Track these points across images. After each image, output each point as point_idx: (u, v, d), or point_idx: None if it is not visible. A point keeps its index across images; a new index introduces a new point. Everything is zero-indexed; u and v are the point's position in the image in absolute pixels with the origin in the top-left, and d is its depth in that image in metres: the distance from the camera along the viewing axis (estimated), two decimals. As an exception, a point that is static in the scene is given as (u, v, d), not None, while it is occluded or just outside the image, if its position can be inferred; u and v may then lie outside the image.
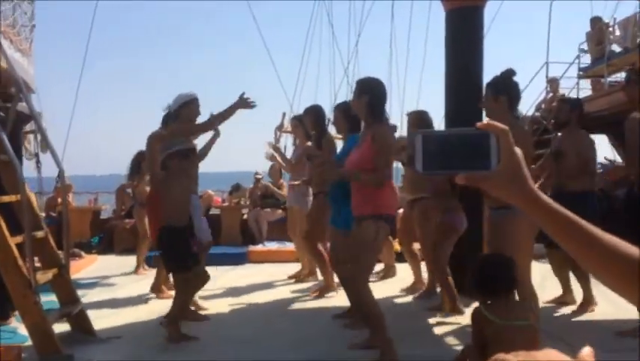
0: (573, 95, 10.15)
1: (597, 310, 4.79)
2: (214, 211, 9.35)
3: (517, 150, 0.83)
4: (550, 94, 10.59)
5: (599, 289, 4.84)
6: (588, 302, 4.80)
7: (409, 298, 5.46)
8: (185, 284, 4.08)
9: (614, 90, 8.77)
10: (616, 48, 9.83)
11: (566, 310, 4.93)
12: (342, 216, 4.19)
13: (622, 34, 9.74)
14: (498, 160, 0.82)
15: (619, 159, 8.99)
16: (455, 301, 4.64)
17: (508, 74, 3.53)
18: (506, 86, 3.52)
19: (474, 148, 0.82)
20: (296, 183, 5.90)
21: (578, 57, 10.71)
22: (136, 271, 6.91)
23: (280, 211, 8.74)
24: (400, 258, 6.66)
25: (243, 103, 4.33)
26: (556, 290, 5.17)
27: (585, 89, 10.64)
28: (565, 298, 5.07)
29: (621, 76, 10.49)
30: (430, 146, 0.83)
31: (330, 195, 4.72)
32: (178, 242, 3.98)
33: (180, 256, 4.00)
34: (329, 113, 5.59)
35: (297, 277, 6.31)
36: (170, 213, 4.02)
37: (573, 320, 4.70)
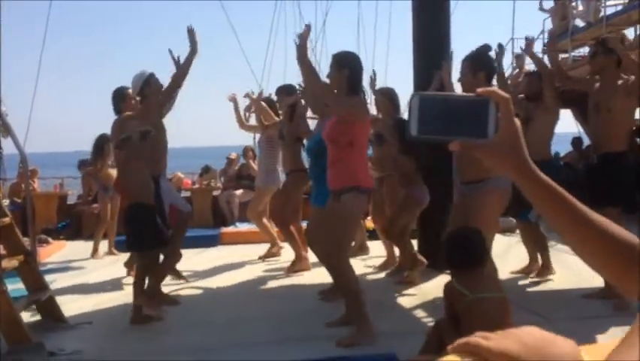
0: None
1: (561, 279, 4.93)
2: (184, 194, 9.25)
3: (516, 120, 0.81)
4: (517, 70, 10.71)
5: (558, 258, 5.00)
6: (546, 269, 4.96)
7: (381, 275, 5.52)
8: (151, 266, 4.06)
9: (578, 64, 8.92)
10: (579, 23, 9.98)
11: (531, 279, 5.06)
12: (321, 194, 4.20)
13: (584, 8, 9.88)
14: (495, 129, 0.79)
15: (582, 131, 9.19)
16: (414, 267, 4.78)
17: (485, 49, 3.55)
18: (484, 62, 3.54)
19: (472, 114, 0.79)
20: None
21: (542, 32, 10.85)
22: (93, 255, 6.82)
23: (253, 192, 8.73)
24: (372, 235, 6.71)
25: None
26: (519, 263, 5.30)
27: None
28: (530, 267, 5.20)
29: (585, 50, 10.69)
30: (427, 109, 0.79)
31: (309, 173, 4.75)
32: (144, 219, 3.97)
33: (146, 234, 3.98)
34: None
35: (268, 256, 6.32)
36: (134, 191, 4.03)
37: (538, 289, 4.83)
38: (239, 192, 8.95)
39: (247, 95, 6.16)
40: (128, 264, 5.42)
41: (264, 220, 6.19)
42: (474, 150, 0.81)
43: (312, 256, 5.64)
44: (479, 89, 0.81)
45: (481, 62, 3.53)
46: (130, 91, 4.85)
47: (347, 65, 3.58)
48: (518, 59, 10.72)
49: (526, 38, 5.21)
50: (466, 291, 2.68)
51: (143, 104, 4.61)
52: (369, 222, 6.57)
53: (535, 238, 4.98)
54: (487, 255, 2.84)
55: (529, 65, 10.77)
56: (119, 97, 5.02)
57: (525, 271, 5.21)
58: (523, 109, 4.83)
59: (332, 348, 3.38)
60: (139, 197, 4.02)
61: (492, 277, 2.88)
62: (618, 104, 4.05)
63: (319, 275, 5.22)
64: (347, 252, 3.71)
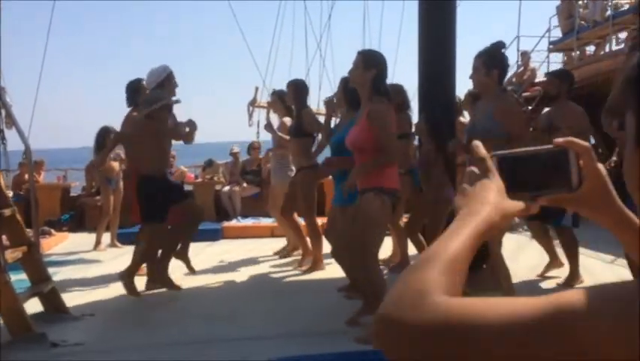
0: (543, 68, 10.25)
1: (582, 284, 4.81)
2: (187, 187, 9.27)
3: (601, 168, 0.79)
4: (522, 68, 10.68)
5: (583, 267, 4.87)
6: (574, 277, 4.72)
7: (384, 271, 5.51)
8: (154, 236, 4.21)
9: (583, 63, 8.89)
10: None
11: (552, 283, 4.82)
12: (339, 192, 4.20)
13: (591, 7, 9.84)
14: (579, 179, 0.77)
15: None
16: None
17: (499, 46, 3.51)
18: (498, 60, 3.50)
19: (552, 167, 0.77)
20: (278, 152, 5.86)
21: (548, 30, 10.81)
22: (96, 247, 6.83)
23: (256, 187, 8.78)
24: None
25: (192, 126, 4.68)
26: (531, 260, 5.21)
27: (555, 63, 10.78)
28: (553, 265, 5.05)
29: (590, 49, 10.65)
30: (507, 168, 0.78)
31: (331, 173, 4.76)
32: (154, 191, 4.11)
33: (156, 205, 4.13)
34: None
35: (282, 253, 6.31)
36: (146, 163, 4.16)
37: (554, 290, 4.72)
38: (241, 186, 8.96)
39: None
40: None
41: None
42: (564, 203, 0.80)
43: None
44: (557, 140, 0.78)
45: (496, 60, 3.48)
46: (145, 83, 4.84)
47: (375, 65, 3.53)
48: (524, 56, 10.70)
49: None
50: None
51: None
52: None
53: (568, 243, 4.73)
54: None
55: (535, 63, 10.76)
56: (134, 89, 5.02)
57: (548, 270, 5.06)
58: (545, 118, 4.73)
59: (334, 343, 3.37)
60: (148, 169, 4.16)
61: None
62: None
63: (324, 271, 5.23)
64: (373, 251, 3.62)
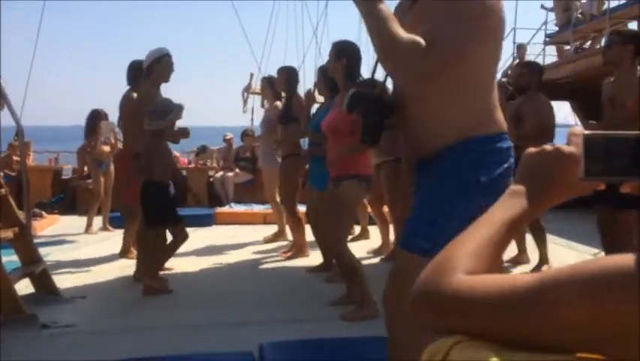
0: (539, 61, 10.25)
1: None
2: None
3: None
4: (517, 60, 10.68)
5: (553, 251, 4.99)
6: (543, 263, 4.86)
7: (376, 260, 5.53)
8: (157, 239, 4.15)
9: (579, 57, 8.91)
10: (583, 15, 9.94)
11: (523, 269, 4.97)
12: (317, 176, 4.26)
13: (588, 1, 9.84)
14: None
15: (580, 124, 9.19)
16: None
17: None
18: None
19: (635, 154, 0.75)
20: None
21: (544, 24, 10.81)
22: (87, 230, 6.82)
23: (249, 174, 8.78)
24: (370, 220, 6.72)
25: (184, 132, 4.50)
26: (510, 251, 5.28)
27: (551, 56, 10.80)
28: (520, 258, 5.12)
29: (586, 44, 10.67)
30: (594, 149, 0.75)
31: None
32: (160, 196, 4.12)
33: (162, 211, 4.13)
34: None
35: (271, 240, 6.33)
36: (157, 168, 4.13)
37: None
38: (233, 173, 8.95)
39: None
40: (124, 250, 5.35)
41: (279, 204, 6.12)
42: None
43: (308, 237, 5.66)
44: None
45: None
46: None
47: (345, 54, 3.68)
48: (519, 49, 10.70)
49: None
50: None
51: (147, 80, 4.60)
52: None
53: (534, 229, 4.82)
54: None
55: (530, 56, 10.76)
56: (136, 69, 4.98)
57: (514, 261, 5.13)
58: (513, 107, 4.77)
59: (323, 329, 3.39)
60: (157, 174, 4.13)
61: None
62: (632, 99, 3.87)
63: (315, 258, 5.24)
64: (345, 236, 3.80)
